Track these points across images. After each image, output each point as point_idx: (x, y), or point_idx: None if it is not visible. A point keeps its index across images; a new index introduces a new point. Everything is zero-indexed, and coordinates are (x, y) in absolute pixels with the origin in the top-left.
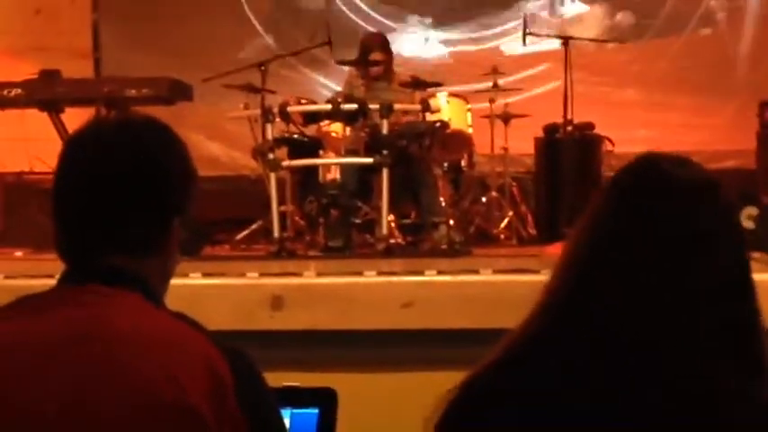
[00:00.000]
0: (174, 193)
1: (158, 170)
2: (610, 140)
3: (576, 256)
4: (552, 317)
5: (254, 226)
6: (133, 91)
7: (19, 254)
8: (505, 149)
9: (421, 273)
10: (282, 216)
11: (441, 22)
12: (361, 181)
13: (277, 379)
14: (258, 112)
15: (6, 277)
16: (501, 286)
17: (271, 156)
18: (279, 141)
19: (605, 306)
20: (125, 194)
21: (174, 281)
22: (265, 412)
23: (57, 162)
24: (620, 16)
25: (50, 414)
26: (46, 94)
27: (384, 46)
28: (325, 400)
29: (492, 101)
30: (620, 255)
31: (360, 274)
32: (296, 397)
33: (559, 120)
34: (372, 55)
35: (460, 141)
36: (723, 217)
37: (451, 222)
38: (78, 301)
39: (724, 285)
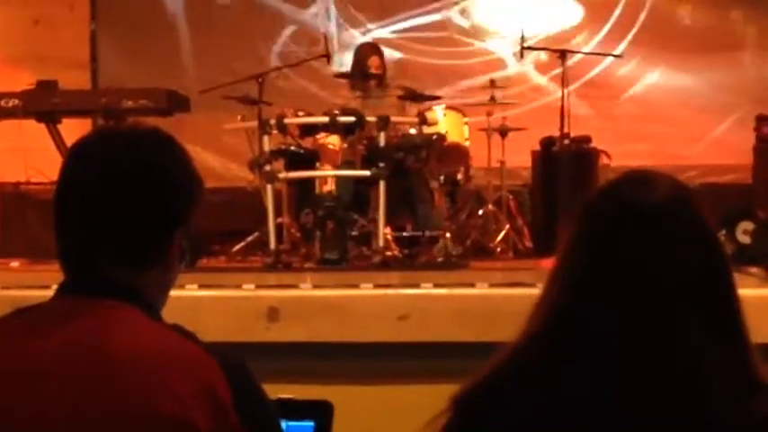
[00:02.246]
0: (178, 205)
1: (162, 182)
2: (607, 154)
3: (559, 282)
4: (538, 343)
5: (250, 238)
6: (130, 102)
7: (15, 264)
8: (502, 162)
9: (417, 285)
10: (279, 228)
11: None
12: (358, 193)
13: (272, 391)
14: (255, 123)
15: (2, 288)
16: (497, 299)
17: (267, 167)
18: (276, 153)
19: (592, 328)
20: (128, 206)
21: (171, 292)
22: (265, 423)
23: (59, 171)
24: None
25: (48, 430)
26: (43, 104)
27: (380, 52)
28: (321, 413)
29: (489, 114)
30: (600, 281)
31: (356, 286)
32: (291, 409)
33: (556, 133)
34: (371, 60)
35: (457, 154)
36: (689, 232)
37: (448, 235)
38: (76, 314)
39: (703, 305)
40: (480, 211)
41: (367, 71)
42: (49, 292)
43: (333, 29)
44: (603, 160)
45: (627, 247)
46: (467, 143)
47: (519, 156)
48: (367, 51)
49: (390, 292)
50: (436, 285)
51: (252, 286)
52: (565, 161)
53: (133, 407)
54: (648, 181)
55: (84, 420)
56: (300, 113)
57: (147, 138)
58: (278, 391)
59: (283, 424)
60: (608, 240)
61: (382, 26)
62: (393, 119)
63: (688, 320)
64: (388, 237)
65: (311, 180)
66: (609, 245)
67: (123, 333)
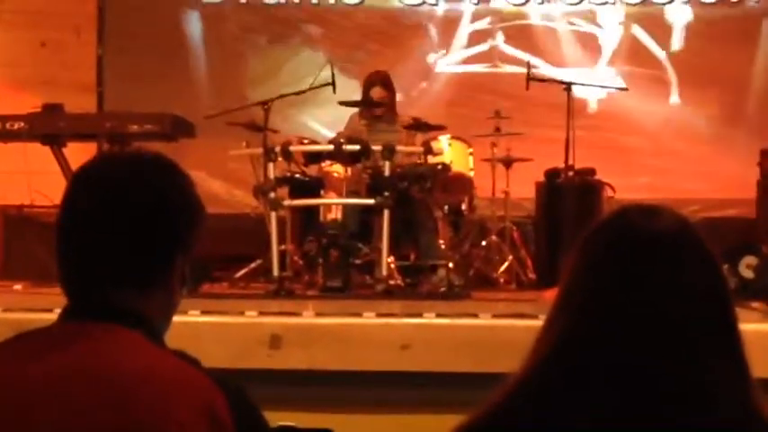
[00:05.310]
0: (180, 231)
1: (163, 206)
2: (611, 187)
3: (564, 310)
4: (546, 366)
5: (253, 264)
6: (135, 127)
7: (18, 287)
8: (506, 193)
9: (419, 315)
10: (282, 255)
11: None
12: (362, 222)
13: (274, 418)
14: (260, 150)
15: (5, 310)
16: (500, 330)
17: (272, 195)
18: (280, 180)
19: (598, 355)
20: (129, 230)
21: (173, 318)
22: None
23: (63, 196)
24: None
25: None
26: (49, 128)
27: (385, 83)
28: None
29: (494, 145)
30: (606, 308)
31: (358, 314)
32: None
33: (561, 164)
34: (373, 91)
35: (461, 184)
36: (694, 259)
37: (451, 265)
38: (78, 339)
39: (703, 336)
40: (484, 242)
41: (370, 100)
42: (52, 316)
43: None
44: (608, 193)
45: (632, 274)
46: (471, 173)
47: (523, 187)
48: (371, 80)
49: (393, 321)
50: (439, 315)
51: (254, 313)
52: (568, 193)
53: (132, 431)
54: (652, 211)
55: None
56: (305, 141)
57: (148, 163)
58: (279, 419)
59: None
60: (613, 267)
61: None
62: (398, 148)
63: (695, 346)
64: (392, 266)
65: (315, 208)
66: (614, 271)
67: (125, 357)
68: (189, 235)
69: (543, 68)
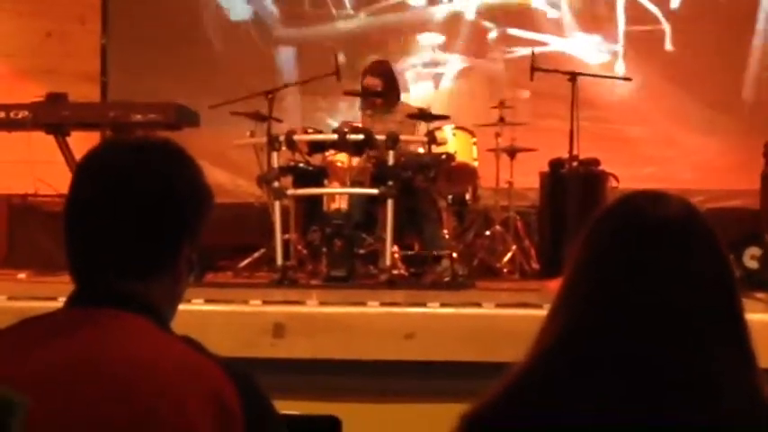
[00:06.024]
0: (186, 215)
1: (170, 192)
2: (615, 177)
3: (570, 297)
4: (551, 355)
5: (257, 254)
6: (139, 116)
7: (22, 276)
8: (510, 183)
9: (423, 304)
10: (286, 244)
11: None
12: (366, 211)
13: (278, 407)
14: (264, 139)
15: (9, 299)
16: (503, 320)
17: (276, 184)
18: (284, 170)
19: (604, 342)
20: (136, 218)
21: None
22: None
23: (70, 182)
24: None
25: None
26: (52, 117)
27: (378, 72)
28: (329, 429)
29: (498, 134)
30: (613, 295)
31: (362, 304)
32: (298, 425)
33: (565, 155)
34: (366, 79)
35: (466, 174)
36: (702, 245)
37: (455, 255)
38: (84, 325)
39: (709, 324)
40: (487, 232)
41: (366, 90)
42: (56, 304)
43: None
44: (611, 183)
45: (638, 261)
46: (475, 163)
47: (527, 177)
48: (365, 69)
49: (397, 310)
50: (443, 305)
51: (258, 302)
52: (572, 183)
53: (139, 418)
54: (659, 197)
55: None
56: (310, 130)
57: (155, 149)
58: (283, 408)
59: None
60: (619, 254)
61: None
62: (402, 138)
63: (701, 335)
64: (396, 255)
65: (319, 197)
66: (619, 259)
67: (131, 344)
68: (197, 221)
69: (552, 45)
